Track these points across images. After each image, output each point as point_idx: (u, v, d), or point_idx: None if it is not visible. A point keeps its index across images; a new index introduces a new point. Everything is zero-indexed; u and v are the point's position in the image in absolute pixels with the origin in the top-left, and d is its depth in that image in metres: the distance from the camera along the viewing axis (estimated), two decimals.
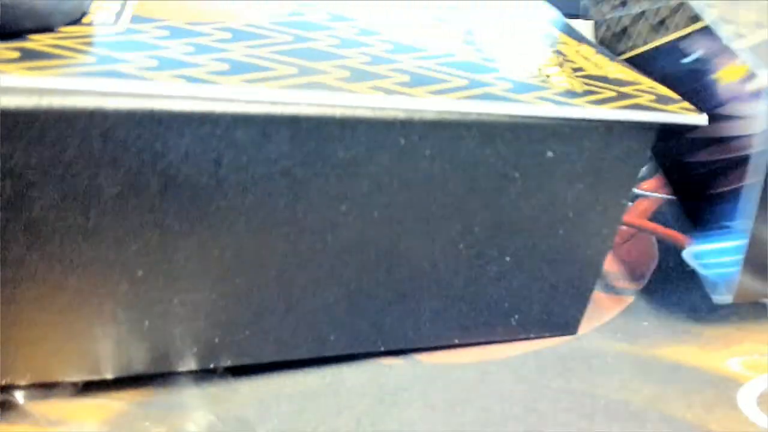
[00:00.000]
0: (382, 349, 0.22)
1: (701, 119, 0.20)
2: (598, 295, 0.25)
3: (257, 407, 0.20)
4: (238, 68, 0.17)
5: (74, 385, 0.20)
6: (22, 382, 0.19)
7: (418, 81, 0.18)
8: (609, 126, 0.19)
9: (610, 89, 0.20)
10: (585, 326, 0.24)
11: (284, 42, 0.19)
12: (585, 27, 0.28)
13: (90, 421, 0.19)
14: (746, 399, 0.21)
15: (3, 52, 0.16)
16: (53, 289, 0.17)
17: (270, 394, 0.20)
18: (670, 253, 0.29)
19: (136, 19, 0.19)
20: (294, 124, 0.16)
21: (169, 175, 0.16)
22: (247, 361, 0.20)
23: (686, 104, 0.20)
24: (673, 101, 0.20)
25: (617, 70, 0.22)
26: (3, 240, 0.16)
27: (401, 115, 0.17)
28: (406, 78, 0.18)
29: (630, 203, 0.26)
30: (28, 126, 0.15)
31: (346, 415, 0.19)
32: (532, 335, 0.23)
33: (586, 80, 0.21)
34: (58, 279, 0.17)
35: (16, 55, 0.16)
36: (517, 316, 0.22)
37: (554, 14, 0.30)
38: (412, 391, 0.21)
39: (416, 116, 0.17)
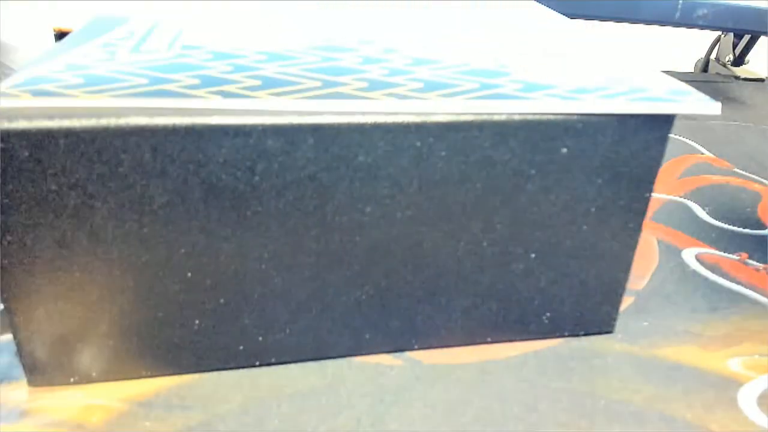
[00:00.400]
0: (416, 347, 0.22)
1: (714, 108, 0.20)
2: None
3: (258, 407, 0.20)
4: (268, 83, 0.18)
5: (76, 381, 0.20)
6: (83, 382, 0.20)
7: (430, 87, 0.19)
8: (622, 119, 0.19)
9: (623, 84, 0.20)
10: None
11: (312, 61, 0.21)
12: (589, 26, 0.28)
13: (90, 421, 0.19)
14: (746, 399, 0.21)
15: (69, 79, 0.18)
16: (113, 291, 0.19)
17: (270, 394, 0.20)
18: (671, 253, 0.29)
19: (185, 46, 0.21)
20: (317, 132, 0.18)
21: (210, 183, 0.18)
22: (288, 359, 0.21)
23: (700, 94, 0.20)
24: (686, 93, 0.20)
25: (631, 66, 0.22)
26: (70, 248, 0.18)
27: (415, 119, 0.18)
28: (419, 85, 0.19)
29: None
30: (87, 144, 0.17)
31: (346, 415, 0.19)
32: (566, 333, 0.23)
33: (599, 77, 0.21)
34: (117, 281, 0.19)
35: (80, 80, 0.18)
36: (548, 314, 0.23)
37: (557, 16, 0.30)
38: (412, 391, 0.21)
39: (429, 119, 0.18)
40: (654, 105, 0.19)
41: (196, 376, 0.21)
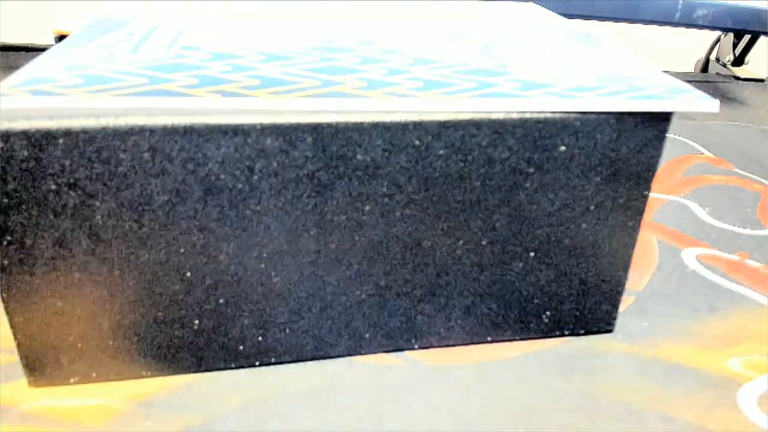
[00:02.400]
0: (417, 347, 0.22)
1: (713, 105, 0.20)
2: None
3: (258, 407, 0.20)
4: (267, 83, 0.18)
5: (76, 382, 0.20)
6: (83, 382, 0.20)
7: (429, 86, 0.19)
8: (620, 117, 0.19)
9: (621, 82, 0.20)
10: None
11: (311, 61, 0.21)
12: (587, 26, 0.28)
13: (90, 421, 0.19)
14: (746, 399, 0.21)
15: (68, 79, 0.18)
16: (113, 290, 0.19)
17: (270, 394, 0.20)
18: (671, 253, 0.29)
19: (185, 47, 0.21)
20: (315, 131, 0.18)
21: (209, 182, 0.18)
22: (288, 359, 0.21)
23: (698, 92, 0.20)
24: (684, 91, 0.20)
25: (630, 65, 0.22)
26: (70, 248, 0.18)
27: (413, 117, 0.18)
28: (418, 84, 0.19)
29: None
30: (87, 144, 0.17)
31: (346, 415, 0.19)
32: (566, 332, 0.23)
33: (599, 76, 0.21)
34: (117, 281, 0.19)
35: (80, 80, 0.18)
36: (548, 313, 0.23)
37: (554, 16, 0.30)
38: (412, 391, 0.21)
39: (427, 117, 0.18)
40: (652, 103, 0.19)
41: (196, 376, 0.21)
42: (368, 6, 0.29)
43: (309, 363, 0.21)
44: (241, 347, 0.21)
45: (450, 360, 0.22)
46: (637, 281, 0.27)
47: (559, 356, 0.22)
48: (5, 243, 0.18)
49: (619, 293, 0.23)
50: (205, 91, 0.18)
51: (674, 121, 0.22)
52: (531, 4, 0.32)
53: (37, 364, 0.20)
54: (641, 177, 0.20)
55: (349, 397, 0.20)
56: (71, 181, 0.17)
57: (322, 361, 0.22)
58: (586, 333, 0.23)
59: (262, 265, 0.19)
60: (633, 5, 0.52)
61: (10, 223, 0.17)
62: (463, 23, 0.27)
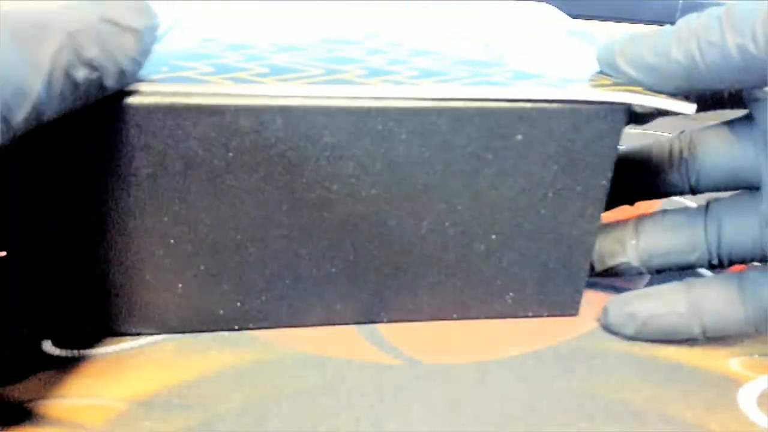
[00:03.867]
0: (385, 320, 0.23)
1: (689, 108, 0.20)
2: (598, 294, 0.25)
3: (258, 407, 0.20)
4: (276, 71, 0.20)
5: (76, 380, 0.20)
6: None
7: (425, 74, 0.20)
8: (575, 109, 0.20)
9: (593, 80, 0.21)
10: (586, 326, 0.24)
11: (320, 52, 0.22)
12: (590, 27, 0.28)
13: (90, 421, 0.19)
14: (746, 399, 0.21)
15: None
16: (106, 253, 0.20)
17: (270, 394, 0.20)
18: None
19: (205, 39, 0.23)
20: (285, 113, 0.19)
21: (189, 157, 0.19)
22: (265, 325, 0.23)
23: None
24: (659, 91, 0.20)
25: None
26: (65, 214, 0.20)
27: (376, 104, 0.19)
28: (415, 73, 0.20)
29: (630, 204, 0.26)
30: (78, 121, 0.18)
31: (346, 415, 0.20)
32: (530, 314, 0.24)
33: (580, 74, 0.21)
34: (106, 247, 0.20)
35: None
36: (511, 294, 0.23)
37: (561, 16, 0.30)
38: (412, 391, 0.21)
39: (390, 104, 0.19)
40: (607, 94, 0.20)
41: (197, 375, 0.21)
42: (377, 7, 0.30)
43: (309, 363, 0.21)
44: (221, 311, 0.22)
45: (450, 360, 0.22)
46: (637, 282, 0.27)
47: (559, 356, 0.22)
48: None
49: (582, 279, 0.23)
50: (220, 78, 0.19)
51: (673, 120, 0.22)
52: (544, 4, 0.32)
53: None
54: (599, 167, 0.21)
55: (349, 397, 0.20)
56: (65, 156, 0.19)
57: (322, 361, 0.22)
58: (550, 315, 0.24)
59: (239, 236, 0.21)
60: (633, 5, 0.53)
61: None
62: (469, 22, 0.28)
